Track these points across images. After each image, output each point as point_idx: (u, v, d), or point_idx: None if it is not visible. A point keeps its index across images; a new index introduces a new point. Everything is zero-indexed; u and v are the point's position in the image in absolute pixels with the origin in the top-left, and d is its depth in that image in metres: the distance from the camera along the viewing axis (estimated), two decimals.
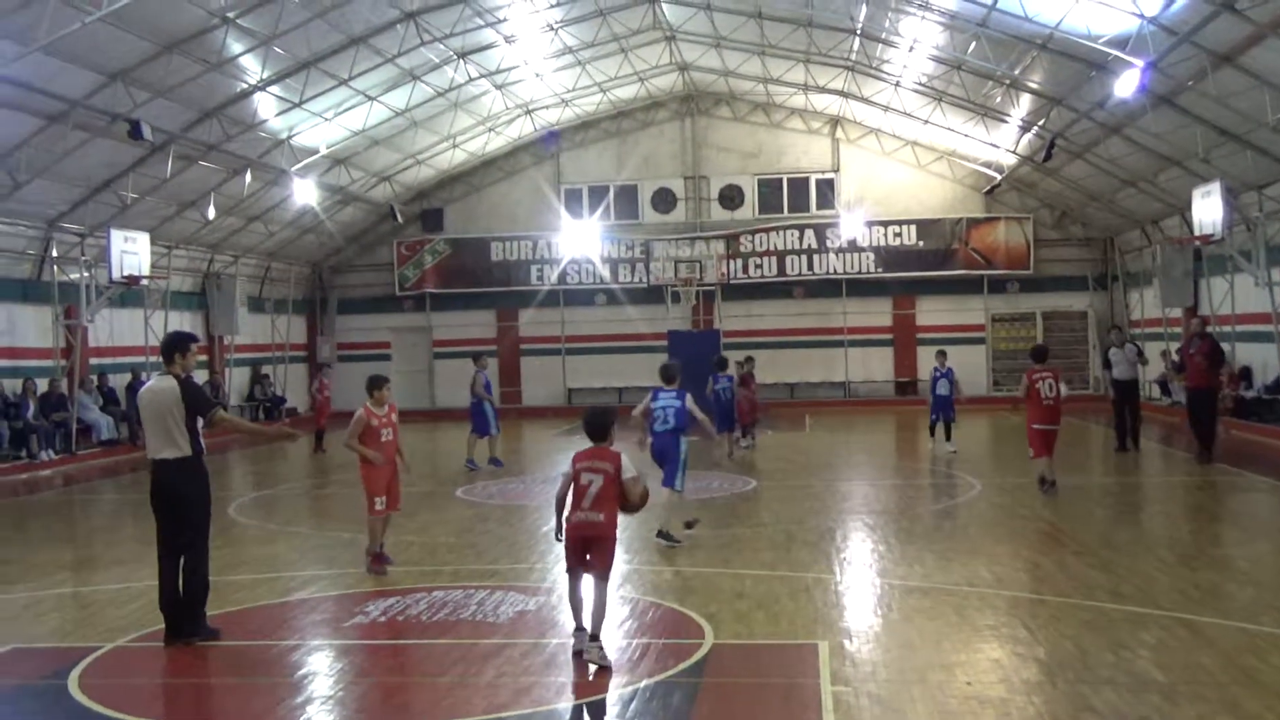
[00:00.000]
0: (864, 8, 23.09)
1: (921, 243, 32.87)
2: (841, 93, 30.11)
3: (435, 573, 11.05)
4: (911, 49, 24.45)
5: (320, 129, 25.51)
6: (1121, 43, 18.35)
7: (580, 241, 33.25)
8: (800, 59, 27.81)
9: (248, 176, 25.09)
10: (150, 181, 23.04)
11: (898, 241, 32.96)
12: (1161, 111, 20.64)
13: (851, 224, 32.51)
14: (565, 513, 8.09)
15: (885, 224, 32.87)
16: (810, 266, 33.22)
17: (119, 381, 25.62)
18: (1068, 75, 21.88)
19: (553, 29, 25.61)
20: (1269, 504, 15.24)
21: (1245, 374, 23.87)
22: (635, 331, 33.00)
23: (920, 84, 27.07)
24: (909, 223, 32.88)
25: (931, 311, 33.05)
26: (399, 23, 22.32)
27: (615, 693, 7.19)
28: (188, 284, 28.80)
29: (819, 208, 33.53)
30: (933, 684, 7.24)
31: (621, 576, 10.77)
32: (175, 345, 8.96)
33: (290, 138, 25.20)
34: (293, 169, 25.83)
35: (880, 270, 32.99)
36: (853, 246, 32.93)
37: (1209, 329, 20.43)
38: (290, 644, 8.72)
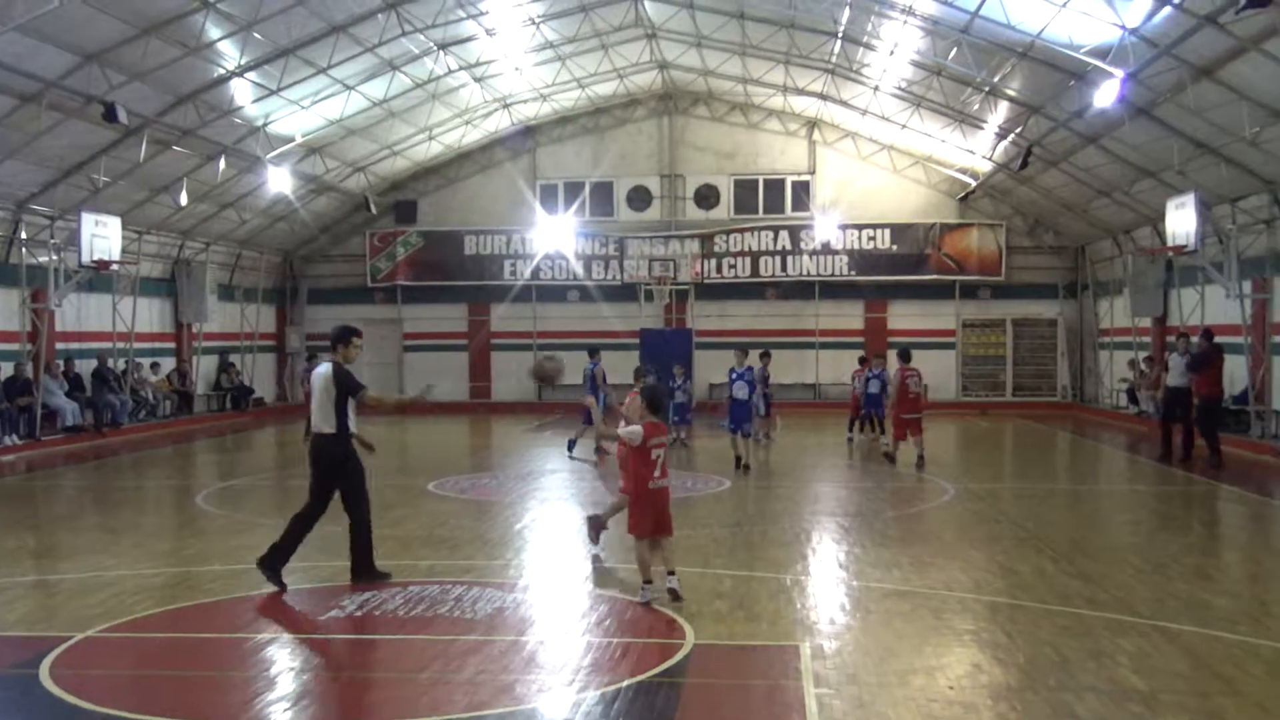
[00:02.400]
0: (847, 11, 23.13)
1: (895, 247, 32.99)
2: (820, 95, 30.16)
3: (411, 567, 10.95)
4: (892, 53, 24.51)
5: (297, 117, 25.30)
6: (1102, 53, 18.47)
7: (554, 237, 33.13)
8: (780, 60, 27.83)
9: (221, 163, 24.82)
10: (123, 165, 22.76)
11: (871, 245, 33.06)
12: (1139, 123, 20.78)
13: (826, 226, 32.58)
14: (641, 483, 9.50)
15: (860, 227, 32.96)
16: (784, 268, 33.28)
17: (85, 367, 25.28)
18: (1047, 84, 21.99)
19: (534, 23, 25.49)
20: (1239, 513, 15.37)
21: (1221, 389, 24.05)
22: (608, 329, 32.83)
23: (899, 88, 27.15)
24: (883, 226, 32.98)
25: (903, 315, 33.17)
26: (380, 12, 22.14)
27: (598, 692, 7.12)
28: (157, 270, 28.48)
29: (794, 209, 33.58)
30: (915, 688, 7.23)
31: (598, 574, 10.74)
32: (340, 336, 10.21)
33: (266, 125, 24.97)
34: (267, 156, 25.60)
35: (853, 273, 33.08)
36: (827, 249, 33.01)
37: (1215, 339, 19.83)
38: (266, 637, 8.60)
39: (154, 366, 28.26)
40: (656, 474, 9.43)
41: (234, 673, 7.75)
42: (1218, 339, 19.71)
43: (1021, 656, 7.90)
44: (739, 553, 11.70)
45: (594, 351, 22.09)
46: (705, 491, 16.53)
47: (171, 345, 29.49)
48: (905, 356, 19.73)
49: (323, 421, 9.97)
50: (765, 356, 22.07)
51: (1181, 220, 21.20)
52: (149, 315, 28.09)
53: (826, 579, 10.64)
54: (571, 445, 21.09)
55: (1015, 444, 25.33)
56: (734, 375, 19.34)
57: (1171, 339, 22.96)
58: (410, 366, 34.34)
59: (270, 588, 9.84)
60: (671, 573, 9.49)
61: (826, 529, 13.44)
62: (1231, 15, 14.45)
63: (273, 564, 9.89)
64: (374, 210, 32.40)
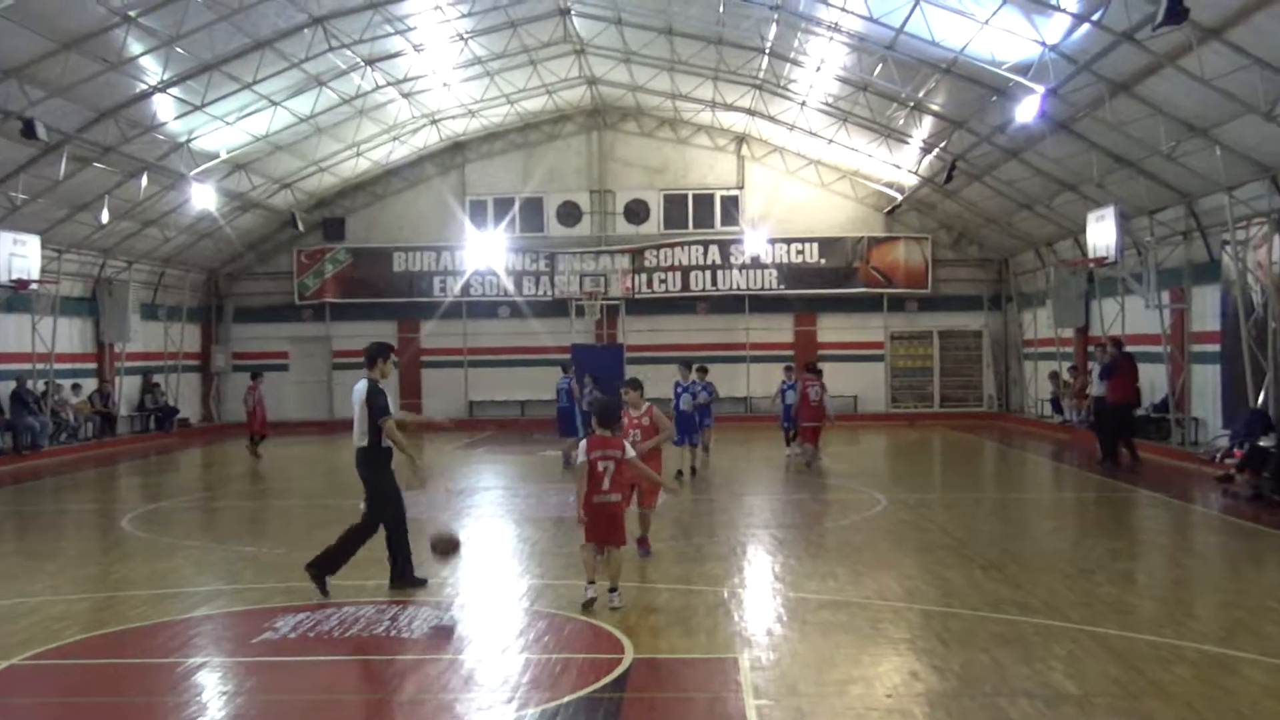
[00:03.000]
0: (774, 27, 23.36)
1: (823, 260, 33.33)
2: (748, 110, 30.42)
3: (344, 588, 10.78)
4: (818, 69, 24.81)
5: (221, 133, 24.96)
6: (1023, 69, 18.85)
7: (484, 253, 33.00)
8: (709, 76, 28.04)
9: (144, 180, 24.40)
10: (42, 183, 22.27)
11: (800, 259, 33.38)
12: (1059, 137, 21.22)
13: (755, 241, 32.83)
14: (588, 496, 9.59)
15: (788, 241, 33.26)
16: (714, 282, 33.46)
17: (3, 389, 24.69)
18: (970, 99, 22.38)
19: (462, 39, 25.44)
20: (1160, 519, 15.69)
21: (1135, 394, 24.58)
22: (539, 345, 32.85)
23: (826, 104, 27.47)
24: (812, 240, 33.32)
25: (832, 329, 33.51)
26: (306, 27, 21.94)
27: (538, 709, 7.08)
28: (78, 289, 27.89)
29: (723, 224, 33.80)
30: (853, 697, 7.28)
31: (535, 591, 10.69)
32: (376, 353, 10.66)
33: (190, 141, 24.59)
34: (191, 173, 25.22)
35: (783, 287, 33.36)
36: (756, 263, 33.26)
37: (1125, 348, 21.54)
38: (196, 662, 8.44)
39: (75, 388, 27.66)
40: (604, 486, 9.61)
41: (164, 699, 7.59)
42: (1130, 348, 20.49)
43: (956, 663, 7.99)
44: (675, 567, 11.71)
45: (566, 367, 23.03)
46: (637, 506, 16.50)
47: (93, 366, 28.89)
48: (809, 368, 21.76)
49: (359, 436, 10.44)
50: (702, 371, 21.99)
51: (1101, 232, 21.65)
52: (69, 335, 27.49)
53: (763, 591, 10.69)
54: (567, 461, 20.59)
55: (944, 454, 25.66)
56: (679, 389, 19.92)
57: (1093, 350, 23.98)
58: (340, 384, 33.93)
59: (193, 613, 9.66)
60: (614, 589, 9.62)
61: (762, 541, 13.49)
62: (1148, 32, 14.80)
63: (404, 580, 10.61)
64: (301, 227, 32.03)
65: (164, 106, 22.69)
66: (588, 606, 9.53)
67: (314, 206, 33.58)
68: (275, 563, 12.38)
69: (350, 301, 33.97)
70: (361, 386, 10.46)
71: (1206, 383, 21.68)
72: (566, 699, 7.25)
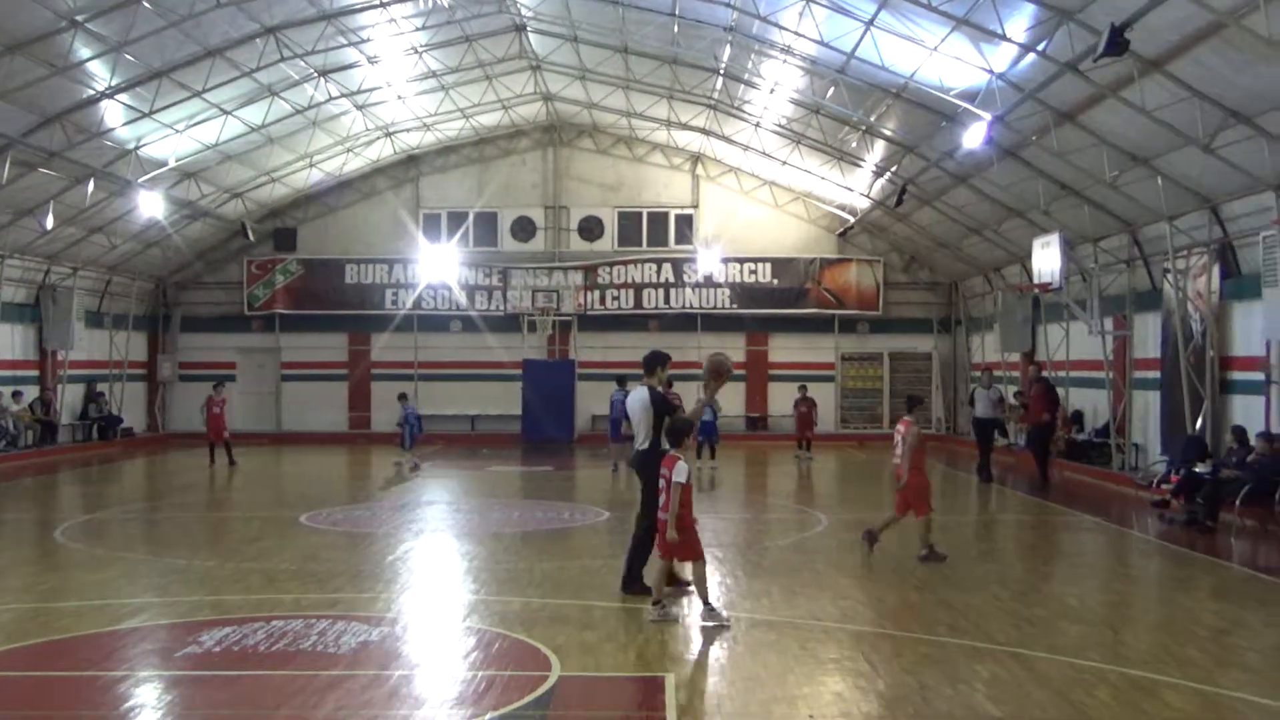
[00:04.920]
0: (728, 48, 23.52)
1: (776, 281, 33.50)
2: (703, 130, 30.56)
3: (275, 602, 10.70)
4: (772, 91, 25.00)
5: (170, 140, 24.71)
6: (971, 96, 19.08)
7: (437, 267, 32.88)
8: (664, 95, 28.15)
9: (90, 186, 24.08)
10: None
11: (753, 279, 33.53)
12: (1006, 164, 21.49)
13: (709, 260, 32.95)
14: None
15: (741, 261, 33.41)
16: (667, 300, 33.53)
17: None
18: (920, 124, 22.62)
19: (417, 52, 25.40)
20: (1097, 542, 15.86)
21: (1077, 418, 24.90)
22: (491, 359, 32.79)
23: (780, 126, 27.67)
24: (765, 261, 33.49)
25: (784, 349, 33.66)
26: (258, 37, 21.83)
27: None
28: (21, 295, 27.47)
29: (677, 243, 33.91)
30: (776, 717, 7.30)
31: (468, 607, 10.64)
32: (655, 361, 11.33)
33: (138, 148, 24.33)
34: (139, 180, 24.93)
35: (735, 306, 33.48)
36: (709, 282, 33.37)
37: (1045, 374, 23.17)
38: (118, 675, 8.32)
39: (16, 395, 27.23)
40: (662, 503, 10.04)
41: (85, 712, 7.49)
42: (1076, 374, 20.97)
43: (882, 684, 8.03)
44: (612, 584, 11.65)
45: (622, 381, 23.59)
46: (582, 523, 16.51)
47: (35, 373, 28.45)
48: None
49: (641, 439, 10.92)
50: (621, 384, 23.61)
51: (1047, 259, 21.89)
52: (11, 342, 27.12)
53: (698, 610, 10.66)
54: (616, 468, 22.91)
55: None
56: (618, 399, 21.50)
57: (976, 374, 25.53)
58: (288, 396, 33.71)
59: (119, 626, 9.51)
60: (680, 595, 10.41)
61: None
62: (1090, 63, 15.02)
63: (630, 584, 10.94)
64: (252, 237, 31.76)
65: (112, 112, 22.45)
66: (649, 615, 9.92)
67: (265, 216, 33.33)
68: (207, 575, 12.25)
69: (301, 313, 33.72)
70: (644, 393, 10.99)
71: (1147, 409, 21.97)
72: (489, 716, 7.21)
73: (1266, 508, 15.50)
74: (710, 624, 9.68)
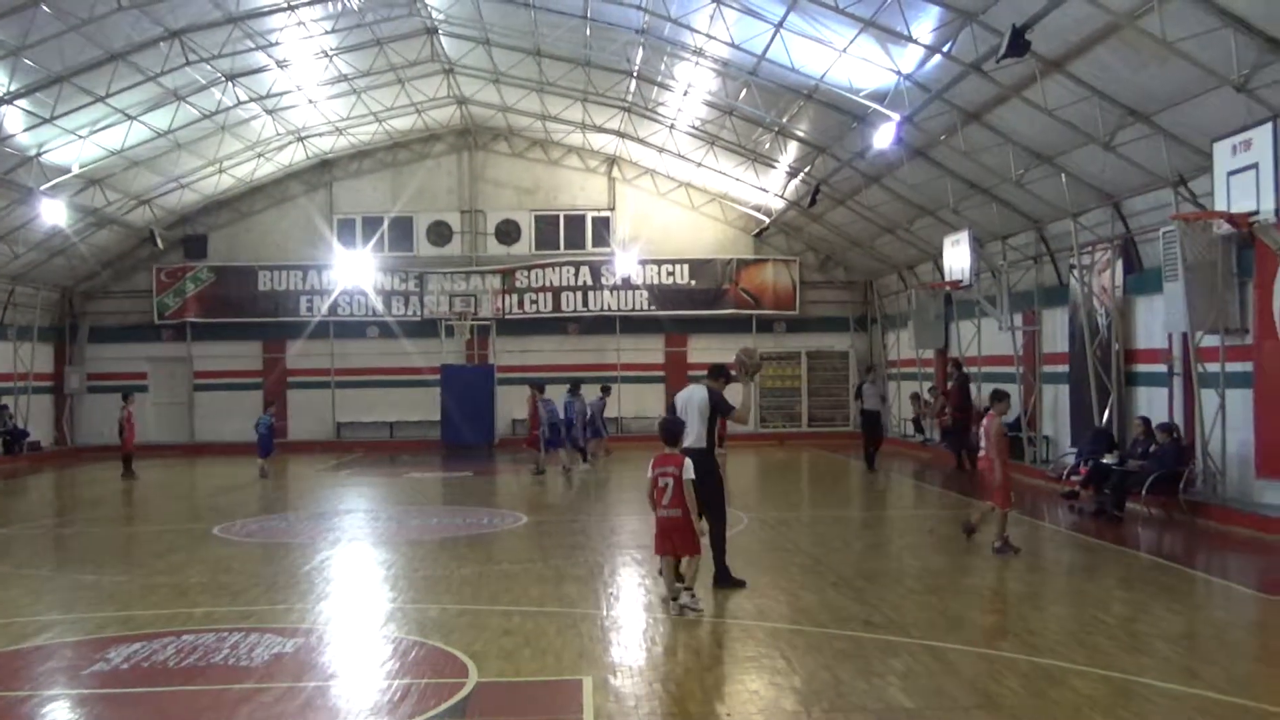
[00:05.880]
0: (640, 51, 23.57)
1: (694, 282, 33.65)
2: (618, 133, 30.60)
3: (185, 615, 10.50)
4: (686, 93, 25.12)
5: (74, 146, 24.11)
6: (880, 97, 19.35)
7: (352, 272, 32.51)
8: (578, 98, 28.13)
9: None
10: None
11: (671, 280, 33.64)
12: (916, 163, 21.81)
13: (626, 262, 32.99)
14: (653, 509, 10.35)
15: (659, 263, 33.51)
16: (585, 303, 33.52)
17: None
18: (831, 125, 22.88)
19: (327, 55, 25.09)
20: (1011, 535, 16.09)
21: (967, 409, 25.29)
22: (409, 365, 32.49)
23: (694, 128, 27.80)
24: (682, 262, 33.62)
25: (703, 350, 33.61)
26: (163, 40, 21.41)
27: None
28: None
29: (595, 245, 33.91)
30: (694, 716, 7.32)
31: (386, 615, 10.53)
32: (719, 372, 11.85)
33: (40, 155, 23.70)
34: (41, 188, 24.29)
35: (654, 308, 33.56)
36: (627, 284, 33.41)
37: (965, 369, 24.31)
38: (21, 695, 8.10)
39: None
40: (665, 501, 10.23)
41: None
42: (989, 369, 21.42)
43: (798, 680, 8.10)
44: (533, 588, 11.65)
45: (576, 387, 25.48)
46: (502, 527, 16.44)
47: None
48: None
49: (696, 439, 11.16)
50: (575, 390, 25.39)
51: (957, 256, 22.27)
52: None
53: (617, 612, 10.67)
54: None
55: (810, 473, 26.05)
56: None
57: (866, 370, 26.88)
58: (201, 406, 33.10)
59: (22, 644, 9.26)
60: (688, 589, 10.33)
61: (622, 562, 13.49)
62: (993, 64, 15.30)
63: (721, 577, 11.33)
64: (161, 245, 31.12)
65: (11, 118, 21.84)
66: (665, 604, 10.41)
67: (174, 223, 32.67)
68: (115, 590, 11.98)
69: (213, 321, 33.11)
70: (703, 393, 11.46)
71: (1057, 402, 22.42)
72: None
73: (1171, 497, 15.95)
74: (697, 608, 10.23)
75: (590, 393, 26.09)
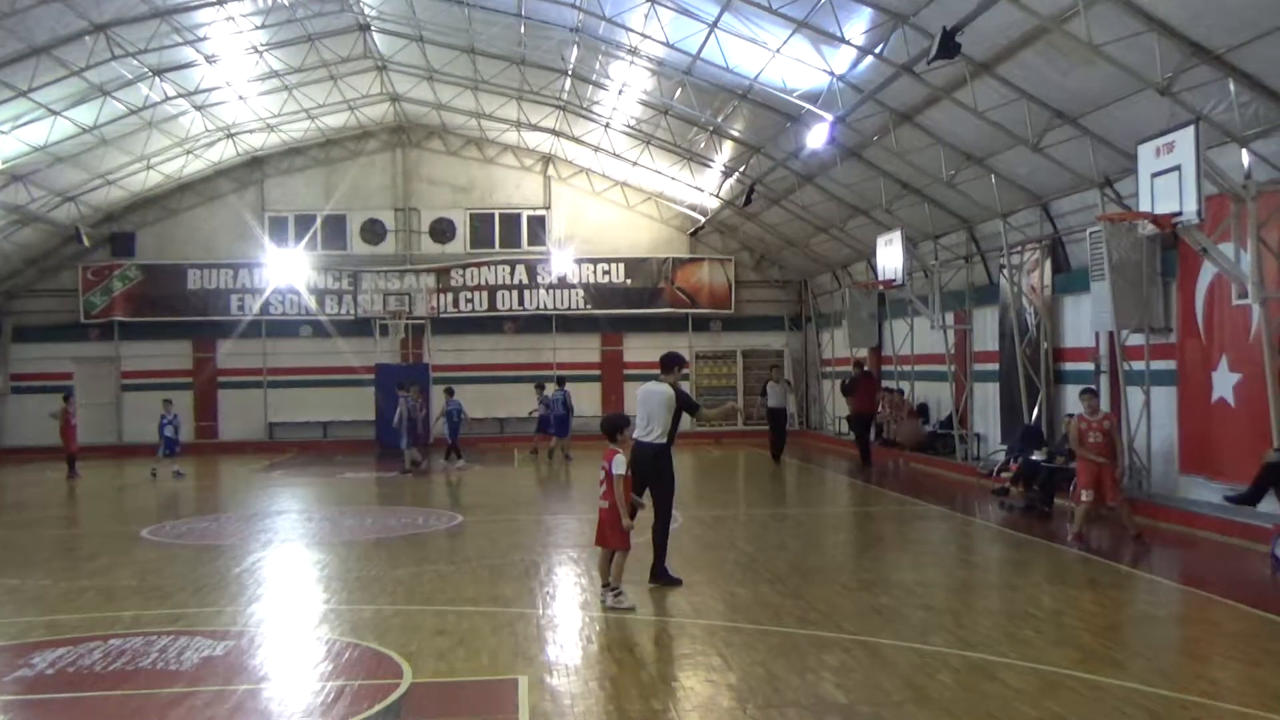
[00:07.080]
0: (575, 49, 23.53)
1: (629, 281, 33.68)
2: (553, 131, 30.53)
3: (113, 619, 10.31)
4: (621, 92, 25.12)
5: None
6: (814, 97, 19.50)
7: (285, 271, 32.12)
8: (513, 96, 28.02)
9: None
10: None
11: (606, 279, 33.65)
12: (850, 163, 22.01)
13: (562, 261, 32.94)
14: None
15: (595, 261, 33.50)
16: (521, 302, 33.42)
17: None
18: (766, 125, 23.01)
19: (257, 51, 24.74)
20: (940, 530, 16.34)
21: (923, 410, 25.65)
22: (343, 364, 32.14)
23: (629, 127, 27.81)
24: (618, 261, 33.64)
25: (638, 348, 33.70)
26: (88, 34, 20.98)
27: None
28: None
29: (530, 244, 33.81)
30: (630, 714, 7.33)
31: (319, 617, 10.43)
32: (673, 361, 11.84)
33: None
34: None
35: (589, 307, 33.55)
36: (563, 283, 33.37)
37: (866, 368, 26.73)
38: None
39: None
40: (600, 493, 10.59)
41: None
42: (919, 368, 21.55)
43: (733, 676, 8.14)
44: (469, 588, 11.61)
45: (562, 381, 27.80)
46: (437, 527, 16.35)
47: None
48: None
49: (659, 435, 11.31)
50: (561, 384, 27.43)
51: (890, 256, 22.50)
52: None
53: (553, 611, 10.66)
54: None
55: (745, 472, 26.16)
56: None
57: (772, 369, 28.38)
58: (129, 406, 32.49)
59: None
60: (612, 588, 10.47)
61: (558, 561, 13.48)
62: (924, 65, 15.48)
63: (658, 574, 11.47)
64: (87, 243, 30.51)
65: None
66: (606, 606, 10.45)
67: (101, 221, 32.04)
68: (40, 595, 11.74)
69: (141, 320, 32.53)
70: (666, 389, 11.42)
71: (987, 400, 22.73)
72: None
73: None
74: (624, 606, 10.35)
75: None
